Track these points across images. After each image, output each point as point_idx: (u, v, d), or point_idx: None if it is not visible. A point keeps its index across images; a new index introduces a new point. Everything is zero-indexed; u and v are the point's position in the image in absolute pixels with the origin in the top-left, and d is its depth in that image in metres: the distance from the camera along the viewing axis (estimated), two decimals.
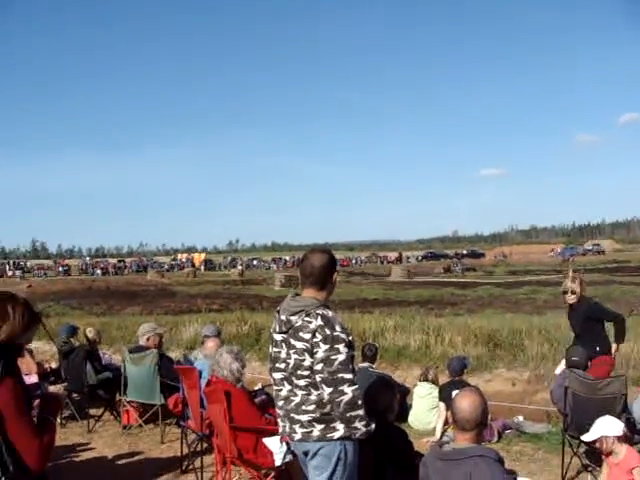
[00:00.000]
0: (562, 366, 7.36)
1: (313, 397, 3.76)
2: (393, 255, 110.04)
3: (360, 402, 3.71)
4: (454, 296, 28.62)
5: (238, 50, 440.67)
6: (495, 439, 7.76)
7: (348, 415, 3.69)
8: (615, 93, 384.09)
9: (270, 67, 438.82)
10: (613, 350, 7.55)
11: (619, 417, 6.01)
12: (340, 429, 3.74)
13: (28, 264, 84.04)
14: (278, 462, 5.41)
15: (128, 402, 8.64)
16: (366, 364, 8.67)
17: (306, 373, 3.77)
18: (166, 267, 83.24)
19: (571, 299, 7.66)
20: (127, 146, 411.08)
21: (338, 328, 3.74)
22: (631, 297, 24.93)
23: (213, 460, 6.42)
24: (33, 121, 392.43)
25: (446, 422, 7.91)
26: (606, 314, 7.76)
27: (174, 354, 11.58)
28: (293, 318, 3.84)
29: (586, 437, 5.49)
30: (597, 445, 5.42)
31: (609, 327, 7.78)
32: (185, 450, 7.13)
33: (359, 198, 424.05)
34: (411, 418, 8.71)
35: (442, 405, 8.06)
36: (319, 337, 3.71)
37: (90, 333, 9.68)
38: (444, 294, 29.73)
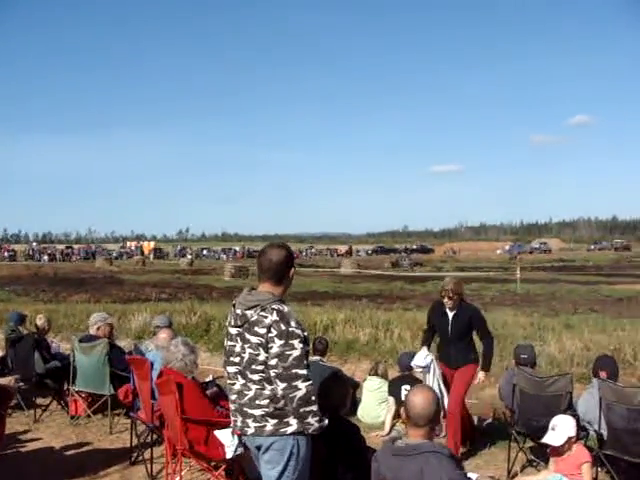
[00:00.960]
0: (424, 351, 7.35)
1: (267, 392, 3.79)
2: (343, 248, 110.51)
3: (314, 398, 3.76)
4: (403, 290, 28.84)
5: (192, 34, 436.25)
6: (443, 434, 7.86)
7: (302, 410, 3.72)
8: (568, 94, 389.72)
9: (223, 52, 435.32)
10: (480, 377, 7.10)
11: (564, 414, 6.17)
12: (293, 424, 3.78)
13: None
14: (229, 455, 5.42)
15: (76, 392, 8.52)
16: (317, 357, 8.70)
17: (260, 368, 3.80)
18: (115, 255, 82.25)
19: (449, 304, 7.03)
20: (78, 129, 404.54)
21: (293, 324, 3.78)
22: (575, 296, 25.40)
23: (163, 452, 6.39)
24: None
25: (395, 416, 7.99)
26: (484, 327, 7.19)
27: (123, 343, 11.47)
28: (249, 312, 3.86)
29: (552, 441, 5.59)
30: (562, 447, 5.55)
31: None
32: (134, 441, 7.08)
33: (310, 190, 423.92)
34: (360, 412, 8.76)
35: (391, 399, 8.14)
36: (274, 332, 3.73)
37: (40, 320, 9.54)
38: (393, 288, 29.93)
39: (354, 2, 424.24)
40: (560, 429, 5.56)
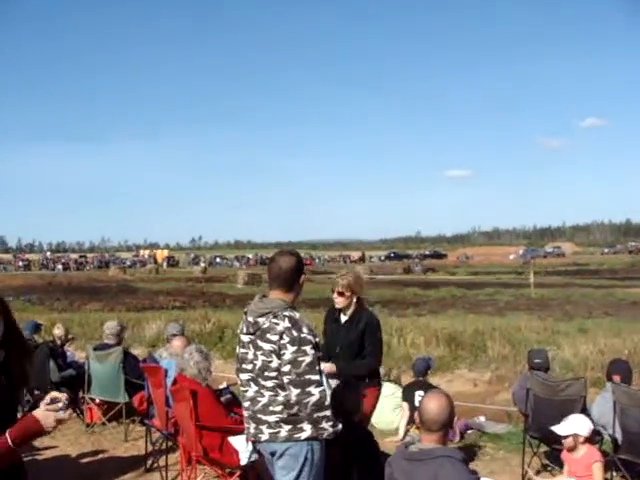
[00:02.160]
0: None
1: (280, 398, 3.81)
2: (356, 255, 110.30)
3: (327, 403, 3.77)
4: (416, 296, 28.78)
5: (201, 43, 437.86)
6: (457, 439, 7.86)
7: (315, 416, 3.74)
8: (579, 97, 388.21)
9: (234, 60, 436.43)
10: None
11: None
12: (307, 429, 3.79)
13: None
14: (244, 461, 5.44)
15: (92, 400, 8.58)
16: None
17: (273, 374, 3.81)
18: (128, 263, 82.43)
19: (339, 302, 5.59)
20: (91, 139, 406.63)
21: (305, 330, 3.80)
22: (589, 300, 25.28)
23: (177, 459, 6.42)
24: None
25: (409, 422, 7.99)
26: (375, 341, 5.65)
27: (137, 351, 11.53)
28: (260, 320, 3.88)
29: (559, 429, 5.58)
30: (566, 440, 5.54)
31: None
32: (149, 448, 7.11)
33: (323, 197, 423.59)
34: (374, 418, 8.76)
35: (405, 405, 8.14)
36: (286, 339, 3.76)
37: (58, 330, 9.60)
38: (406, 294, 29.88)
39: (366, 6, 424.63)
40: (570, 423, 5.54)
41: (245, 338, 4.00)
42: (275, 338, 3.79)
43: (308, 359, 3.74)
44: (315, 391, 3.72)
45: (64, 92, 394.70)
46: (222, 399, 6.58)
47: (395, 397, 8.64)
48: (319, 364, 3.86)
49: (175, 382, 5.83)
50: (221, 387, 7.40)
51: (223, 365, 12.51)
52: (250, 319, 3.95)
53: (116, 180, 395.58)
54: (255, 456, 5.35)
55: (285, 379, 3.77)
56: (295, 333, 3.76)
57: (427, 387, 7.58)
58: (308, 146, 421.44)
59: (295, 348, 3.74)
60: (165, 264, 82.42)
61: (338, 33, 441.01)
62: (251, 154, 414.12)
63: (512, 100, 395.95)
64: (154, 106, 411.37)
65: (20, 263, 73.49)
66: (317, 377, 3.76)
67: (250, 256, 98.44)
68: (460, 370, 11.45)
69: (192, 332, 13.91)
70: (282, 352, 3.76)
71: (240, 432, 5.39)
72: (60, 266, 73.02)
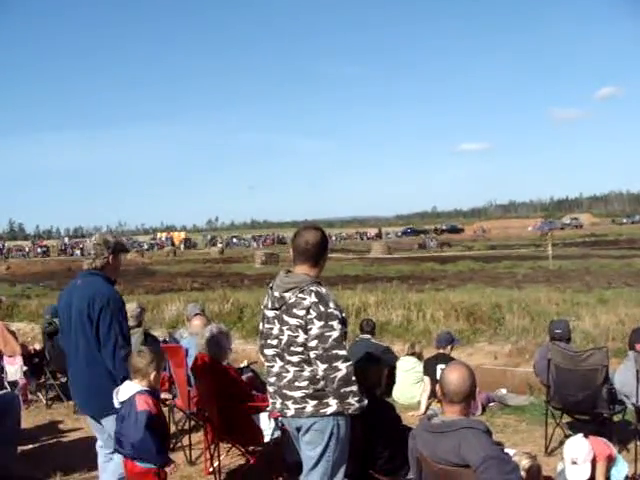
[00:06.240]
0: None
1: (306, 373, 3.81)
2: (373, 231, 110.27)
3: (354, 378, 3.77)
4: (434, 271, 28.66)
5: (217, 28, 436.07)
6: (479, 412, 7.86)
7: (342, 391, 3.74)
8: (592, 67, 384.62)
9: (247, 44, 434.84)
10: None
11: (601, 388, 6.12)
12: (333, 405, 3.80)
13: (6, 245, 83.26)
14: (267, 438, 5.47)
15: None
16: (367, 336, 8.94)
17: (299, 349, 3.82)
18: (146, 246, 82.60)
19: None
20: (106, 125, 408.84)
21: (332, 305, 3.79)
22: (609, 270, 25.10)
23: (201, 438, 6.46)
24: (11, 101, 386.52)
25: (430, 396, 8.00)
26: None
27: (157, 333, 11.55)
28: (287, 295, 3.88)
29: (580, 477, 5.18)
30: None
31: None
32: (172, 428, 7.14)
33: (338, 174, 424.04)
34: (395, 392, 8.78)
35: (427, 379, 8.15)
36: (313, 314, 3.75)
37: None
38: (424, 269, 29.76)
39: None
40: (581, 461, 5.18)
41: (270, 313, 4.00)
42: (302, 313, 3.79)
43: (335, 334, 3.74)
44: (342, 366, 3.72)
45: (79, 79, 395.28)
46: (243, 377, 6.61)
47: (416, 371, 8.65)
48: (345, 339, 3.87)
49: (196, 361, 5.84)
50: (242, 366, 7.44)
51: (243, 344, 12.52)
52: (276, 294, 3.95)
53: (132, 164, 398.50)
54: (278, 433, 5.41)
55: (312, 354, 3.77)
56: (322, 308, 3.76)
57: (448, 360, 7.55)
58: (322, 125, 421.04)
59: (322, 323, 3.74)
60: (182, 246, 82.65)
61: (351, 20, 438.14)
62: (266, 137, 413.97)
63: (526, 72, 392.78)
64: (169, 90, 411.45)
65: (39, 249, 73.88)
66: (344, 352, 3.76)
67: (267, 235, 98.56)
68: (480, 343, 11.41)
69: (211, 312, 13.94)
70: (309, 327, 3.76)
71: (262, 410, 5.42)
72: (78, 251, 73.28)
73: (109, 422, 4.58)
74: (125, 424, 4.22)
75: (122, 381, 4.42)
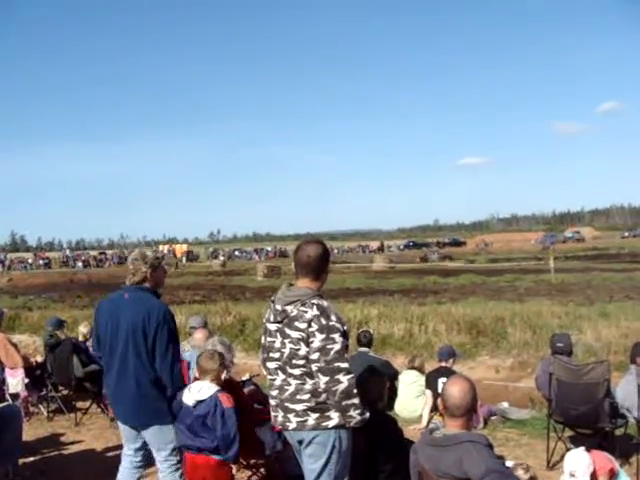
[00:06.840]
0: None
1: (308, 386, 3.82)
2: (375, 244, 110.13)
3: (355, 391, 3.78)
4: (436, 284, 28.62)
5: (223, 41, 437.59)
6: (481, 425, 7.85)
7: (344, 404, 3.75)
8: (594, 82, 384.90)
9: (253, 57, 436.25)
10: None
11: (603, 402, 6.11)
12: (335, 417, 3.81)
13: (8, 257, 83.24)
14: (268, 451, 5.46)
15: None
16: (365, 349, 8.89)
17: (301, 362, 3.83)
18: None
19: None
20: (107, 137, 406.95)
21: (333, 318, 3.81)
22: (611, 284, 25.06)
23: None
24: (13, 113, 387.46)
25: (432, 409, 7.99)
26: None
27: None
28: (288, 308, 3.90)
29: None
30: None
31: None
32: None
33: (340, 187, 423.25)
34: (397, 406, 8.78)
35: (428, 392, 8.15)
36: (315, 327, 3.77)
37: (84, 327, 9.68)
38: (426, 282, 29.70)
39: (379, 4, 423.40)
40: (580, 474, 5.09)
41: (272, 327, 4.02)
42: (303, 326, 3.80)
43: (337, 347, 3.75)
44: (344, 379, 3.73)
45: (81, 92, 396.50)
46: (245, 390, 6.60)
47: (418, 385, 8.64)
48: (347, 352, 3.88)
49: None
50: (244, 378, 7.42)
51: (245, 357, 12.54)
52: (278, 307, 3.97)
53: (134, 177, 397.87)
54: (280, 446, 5.40)
55: (314, 367, 3.78)
56: (324, 321, 3.78)
57: (450, 374, 7.55)
58: (324, 138, 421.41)
59: (324, 336, 3.75)
60: (184, 259, 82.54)
61: (354, 29, 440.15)
62: (268, 150, 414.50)
63: (528, 86, 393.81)
64: (172, 102, 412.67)
65: (41, 261, 73.83)
66: (345, 365, 3.77)
67: (269, 248, 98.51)
68: (482, 357, 11.44)
69: (213, 325, 13.96)
70: (311, 340, 3.78)
71: (264, 423, 5.42)
72: (80, 263, 73.32)
73: (149, 432, 4.81)
74: (210, 420, 4.68)
75: (178, 391, 4.75)
